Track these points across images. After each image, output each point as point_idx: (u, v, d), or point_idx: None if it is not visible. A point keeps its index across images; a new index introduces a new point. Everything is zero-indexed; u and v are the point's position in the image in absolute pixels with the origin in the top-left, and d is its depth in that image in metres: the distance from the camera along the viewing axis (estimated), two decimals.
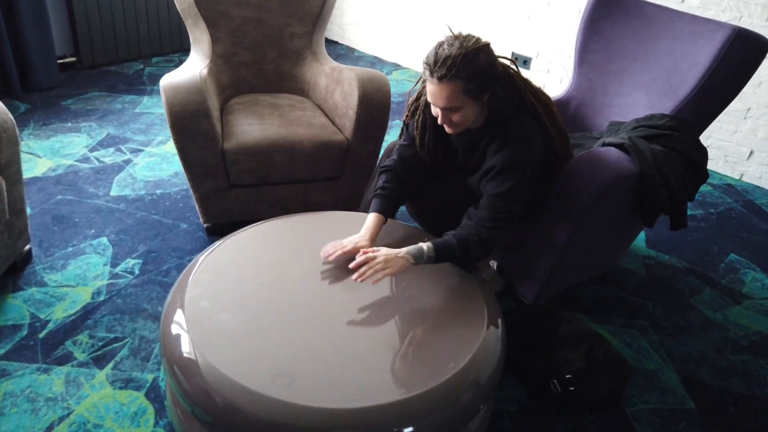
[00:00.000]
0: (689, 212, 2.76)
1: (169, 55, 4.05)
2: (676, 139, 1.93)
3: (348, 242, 1.56)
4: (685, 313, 2.09)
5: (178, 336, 1.32)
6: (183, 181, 2.59)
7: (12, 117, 1.82)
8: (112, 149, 2.79)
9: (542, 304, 1.85)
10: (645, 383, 1.78)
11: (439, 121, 1.51)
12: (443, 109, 1.46)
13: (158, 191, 2.50)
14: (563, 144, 1.71)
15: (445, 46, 1.39)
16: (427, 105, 1.63)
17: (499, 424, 1.60)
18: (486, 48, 1.41)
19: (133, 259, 2.09)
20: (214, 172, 2.09)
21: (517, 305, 2.02)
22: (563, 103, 2.35)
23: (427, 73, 1.41)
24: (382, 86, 2.18)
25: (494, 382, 1.35)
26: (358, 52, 4.68)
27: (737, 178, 3.10)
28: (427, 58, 1.41)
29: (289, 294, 1.42)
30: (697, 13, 2.96)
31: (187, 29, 2.47)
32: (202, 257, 1.54)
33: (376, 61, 4.50)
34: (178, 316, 1.37)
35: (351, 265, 1.45)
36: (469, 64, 1.37)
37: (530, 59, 3.61)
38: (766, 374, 1.85)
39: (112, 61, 3.77)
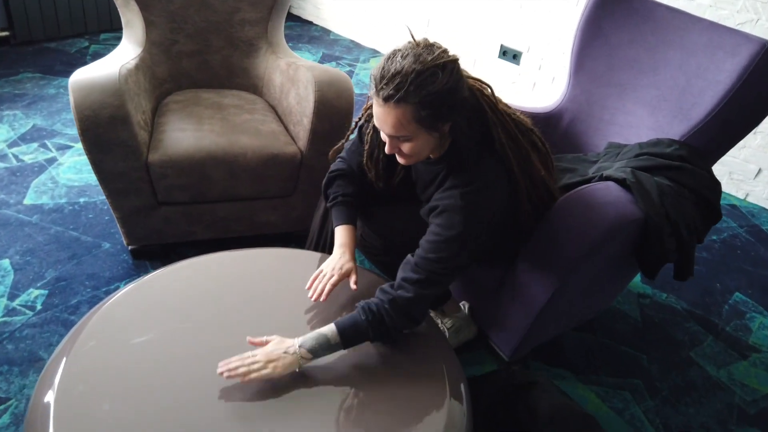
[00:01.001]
0: None
1: (118, 32, 3.62)
2: (688, 172, 1.62)
3: (330, 269, 1.28)
4: (684, 370, 1.81)
5: (44, 426, 1.00)
6: None
7: None
8: (35, 145, 2.41)
9: (519, 370, 1.55)
10: None
11: (387, 149, 1.18)
12: (390, 137, 1.14)
13: (82, 200, 2.14)
14: (539, 196, 1.38)
15: (398, 58, 1.05)
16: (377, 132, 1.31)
17: None
18: (449, 66, 1.06)
19: (38, 289, 1.74)
20: (137, 187, 1.74)
21: (491, 359, 1.72)
22: (554, 116, 2.03)
23: (373, 89, 1.08)
24: (344, 91, 1.84)
25: None
26: (333, 35, 4.29)
27: (742, 198, 2.82)
28: (376, 69, 1.08)
29: (200, 382, 1.09)
30: (708, 13, 2.63)
31: (119, 12, 2.09)
32: (96, 313, 1.21)
33: (353, 46, 4.12)
34: (47, 399, 1.04)
35: (221, 368, 1.06)
36: (422, 86, 1.03)
37: (520, 53, 3.26)
38: None
39: (52, 36, 3.34)
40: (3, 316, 1.64)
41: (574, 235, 1.41)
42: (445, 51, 1.09)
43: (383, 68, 1.06)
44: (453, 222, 1.19)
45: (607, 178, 1.56)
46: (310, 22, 4.49)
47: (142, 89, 1.87)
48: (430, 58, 1.05)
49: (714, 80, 1.63)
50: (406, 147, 1.16)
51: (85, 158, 2.38)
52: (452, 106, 1.10)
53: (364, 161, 1.39)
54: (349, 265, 1.32)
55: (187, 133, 1.81)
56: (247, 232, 1.98)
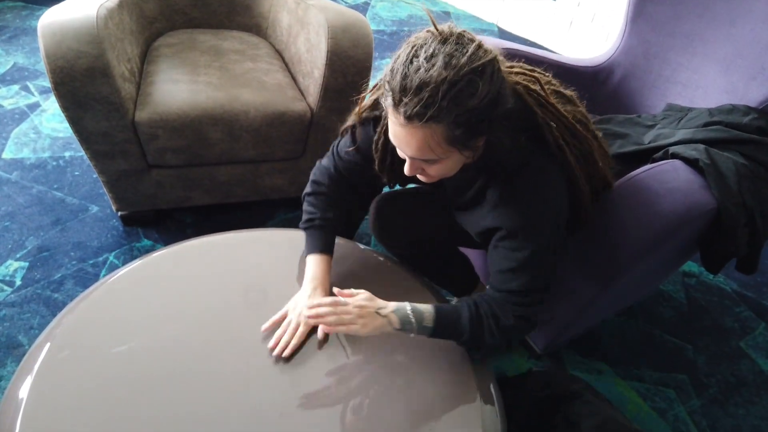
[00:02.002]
0: None
1: None
2: (764, 146, 1.37)
3: (296, 315, 1.04)
4: (734, 363, 1.63)
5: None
6: None
7: None
8: (16, 87, 2.17)
9: (560, 374, 1.37)
10: None
11: (407, 171, 0.92)
12: (411, 159, 0.89)
13: (67, 154, 1.92)
14: (595, 186, 1.14)
15: (422, 61, 0.76)
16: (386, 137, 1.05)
17: None
18: (488, 69, 0.78)
19: (17, 260, 1.56)
20: (123, 149, 1.52)
21: (524, 352, 1.55)
22: (604, 70, 1.75)
23: (390, 101, 0.80)
24: (362, 39, 1.57)
25: None
26: None
27: None
28: (391, 75, 0.80)
29: (188, 397, 0.91)
30: None
31: None
32: (76, 307, 1.03)
33: None
34: (21, 396, 0.88)
35: (309, 312, 0.96)
36: (457, 101, 0.76)
37: None
38: None
39: None
40: None
41: (634, 228, 1.19)
42: (479, 46, 0.79)
43: (404, 76, 0.78)
44: (521, 244, 0.97)
45: (674, 156, 1.32)
46: None
47: (126, 32, 1.61)
48: (464, 61, 0.76)
49: None
50: (431, 169, 0.90)
51: None
52: (492, 120, 0.83)
53: (376, 166, 1.14)
54: (321, 310, 1.02)
55: (180, 86, 1.56)
56: (251, 196, 1.77)
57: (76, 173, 1.86)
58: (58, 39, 1.35)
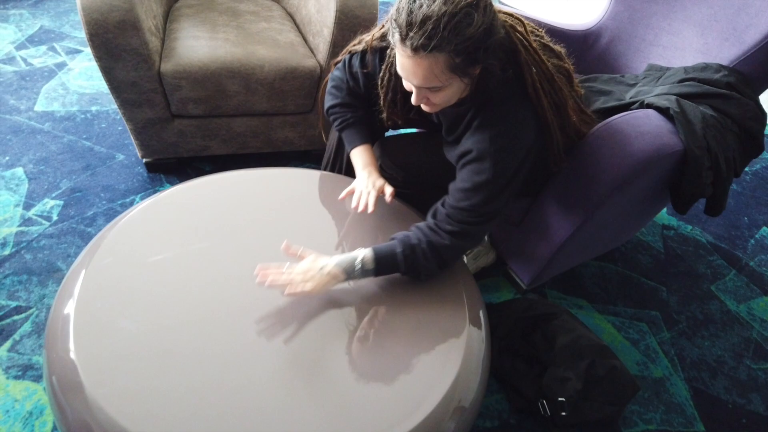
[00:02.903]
0: None
1: None
2: (734, 101, 1.51)
3: (364, 187, 1.26)
4: (704, 303, 1.79)
5: (66, 338, 1.00)
6: None
7: None
8: (44, 48, 2.32)
9: (540, 300, 1.53)
10: (650, 396, 1.51)
11: (413, 100, 1.07)
12: (418, 87, 1.04)
13: (94, 108, 2.08)
14: (567, 133, 1.27)
15: None
16: (395, 66, 1.19)
17: None
18: (482, 2, 0.93)
19: (53, 199, 1.72)
20: (149, 99, 1.67)
21: (509, 286, 1.71)
22: (592, 34, 1.89)
23: (397, 36, 0.95)
24: (368, 3, 1.71)
25: (479, 402, 1.07)
26: None
27: None
28: (397, 13, 0.94)
29: (218, 301, 1.08)
30: None
31: None
32: (115, 226, 1.19)
33: None
34: (70, 308, 1.04)
35: (258, 272, 1.06)
36: (457, 30, 0.91)
37: None
38: None
39: None
40: (19, 225, 1.63)
41: (607, 166, 1.34)
42: None
43: (410, 12, 0.92)
44: (482, 168, 1.11)
45: (648, 106, 1.46)
46: None
47: None
48: (463, 1, 0.91)
49: None
50: (436, 97, 1.05)
51: (96, 64, 2.28)
52: (487, 48, 0.97)
53: (382, 104, 1.29)
54: (380, 181, 1.28)
55: (201, 42, 1.71)
56: (263, 148, 1.92)
57: (103, 125, 2.01)
58: None
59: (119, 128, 2.01)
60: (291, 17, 1.98)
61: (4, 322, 1.40)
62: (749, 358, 1.65)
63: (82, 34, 2.42)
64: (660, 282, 1.83)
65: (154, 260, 1.12)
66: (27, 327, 1.40)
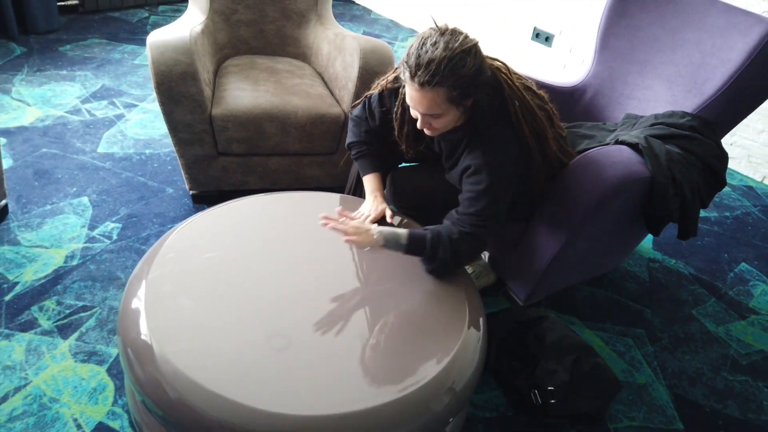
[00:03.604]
0: (703, 214, 2.61)
1: (177, 5, 3.88)
2: (697, 141, 1.78)
3: (367, 211, 1.55)
4: (685, 324, 1.98)
5: (136, 316, 1.24)
6: None
7: None
8: (105, 102, 2.68)
9: (532, 308, 1.75)
10: (633, 398, 1.68)
11: (419, 125, 1.36)
12: (423, 115, 1.32)
13: (147, 151, 2.40)
14: (547, 159, 1.54)
15: (429, 47, 1.21)
16: (405, 108, 1.49)
17: (473, 431, 1.52)
18: (473, 50, 1.23)
19: (113, 222, 2.01)
20: (200, 138, 1.98)
21: (508, 304, 1.92)
22: (579, 90, 2.20)
23: (408, 75, 1.25)
24: (385, 59, 2.04)
25: (470, 389, 1.27)
26: (374, 14, 4.48)
27: (759, 180, 2.94)
28: (407, 57, 1.25)
29: (260, 283, 1.33)
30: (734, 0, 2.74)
31: None
32: (173, 233, 1.45)
33: (392, 26, 4.30)
34: (140, 294, 1.28)
35: (322, 218, 1.38)
36: (454, 71, 1.20)
37: (552, 36, 3.41)
38: (764, 398, 1.75)
39: (116, 6, 3.62)
40: (85, 242, 1.90)
41: (584, 190, 1.59)
42: (467, 36, 1.25)
43: (418, 56, 1.22)
44: (481, 178, 1.39)
45: (622, 143, 1.74)
46: (352, 1, 4.68)
47: (206, 52, 2.11)
48: (457, 45, 1.21)
49: (726, 58, 1.78)
50: (437, 123, 1.35)
51: (149, 116, 2.63)
52: (477, 84, 1.27)
53: (396, 135, 1.58)
54: (382, 206, 1.56)
55: (245, 92, 2.04)
56: (294, 185, 2.21)
57: (155, 165, 2.32)
58: (162, 50, 1.83)
59: (169, 167, 2.32)
60: (320, 75, 2.32)
61: (72, 318, 1.64)
62: (726, 371, 1.83)
63: (137, 91, 2.79)
64: (645, 305, 2.03)
65: (206, 256, 1.38)
66: (92, 322, 1.64)
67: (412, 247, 1.38)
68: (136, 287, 1.31)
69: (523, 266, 1.83)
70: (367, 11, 4.53)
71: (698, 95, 1.86)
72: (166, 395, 1.13)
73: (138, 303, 1.26)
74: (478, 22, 3.77)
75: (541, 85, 2.18)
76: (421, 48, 1.23)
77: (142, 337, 1.20)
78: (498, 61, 1.40)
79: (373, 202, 1.58)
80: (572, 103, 2.20)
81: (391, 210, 1.55)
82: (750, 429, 1.65)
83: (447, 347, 1.26)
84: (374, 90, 1.62)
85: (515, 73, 1.46)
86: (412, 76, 1.24)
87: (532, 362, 1.58)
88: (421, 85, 1.23)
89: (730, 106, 1.81)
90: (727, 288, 2.18)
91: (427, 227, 1.42)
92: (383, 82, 1.56)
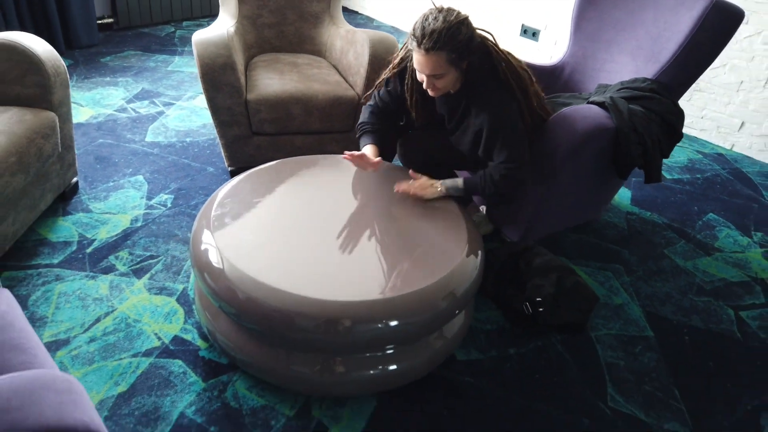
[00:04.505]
0: (676, 176, 2.94)
1: (198, 20, 4.30)
2: (656, 101, 2.12)
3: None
4: (658, 261, 2.31)
5: (206, 247, 1.59)
6: (210, 132, 2.86)
7: (64, 64, 2.09)
8: (146, 102, 3.07)
9: (521, 244, 2.08)
10: (611, 315, 2.01)
11: (425, 86, 1.72)
12: (428, 76, 1.68)
13: (188, 139, 2.77)
14: (532, 112, 1.89)
15: (431, 20, 1.58)
16: (414, 72, 1.85)
17: (476, 339, 1.85)
18: (466, 21, 1.61)
19: (166, 194, 2.37)
20: (238, 120, 2.34)
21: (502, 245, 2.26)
22: (558, 68, 2.55)
23: (414, 44, 1.61)
24: (391, 47, 2.40)
25: (468, 295, 1.60)
26: (377, 22, 4.88)
27: (728, 148, 3.27)
28: (414, 30, 1.61)
29: (299, 215, 1.68)
30: None
31: None
32: (224, 187, 1.81)
33: (393, 31, 4.69)
34: (206, 230, 1.63)
35: (396, 188, 1.78)
36: (452, 37, 1.57)
37: (539, 31, 3.78)
38: (723, 313, 2.07)
39: (146, 23, 4.03)
40: (145, 209, 2.26)
41: (560, 140, 1.94)
42: (459, 12, 1.62)
43: (422, 29, 1.59)
44: (496, 134, 1.74)
45: (592, 103, 2.09)
46: (356, 12, 5.09)
47: (238, 49, 2.48)
48: (453, 18, 1.59)
49: (677, 30, 2.14)
50: (439, 83, 1.71)
51: (185, 111, 3.01)
52: (470, 49, 1.64)
53: (408, 104, 1.94)
54: (378, 160, 1.86)
55: (274, 81, 2.41)
56: None
57: (195, 150, 2.69)
58: (205, 46, 2.21)
59: (207, 152, 2.68)
60: (335, 67, 2.69)
61: (143, 264, 1.99)
62: (692, 294, 2.15)
63: (173, 92, 3.17)
64: (623, 247, 2.36)
65: (256, 197, 1.74)
66: (159, 266, 1.99)
67: (467, 190, 1.78)
68: (203, 220, 1.66)
69: (514, 213, 2.17)
70: (370, 20, 4.92)
71: (656, 63, 2.20)
72: (237, 297, 1.47)
73: (206, 236, 1.61)
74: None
75: (527, 65, 2.55)
76: (425, 22, 1.59)
77: (213, 255, 1.55)
78: (485, 31, 1.76)
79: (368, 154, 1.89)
80: (554, 80, 2.55)
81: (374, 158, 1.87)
82: (710, 335, 1.97)
83: (450, 262, 1.59)
84: (383, 77, 1.97)
85: (502, 48, 1.82)
86: (419, 44, 1.60)
87: (523, 282, 1.91)
88: (427, 50, 1.59)
89: (682, 69, 2.16)
90: (696, 233, 2.50)
91: (476, 173, 1.81)
92: (388, 71, 1.93)
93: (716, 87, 3.19)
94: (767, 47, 2.96)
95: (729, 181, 2.94)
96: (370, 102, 2.02)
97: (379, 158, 1.84)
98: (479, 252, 1.69)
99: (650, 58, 2.23)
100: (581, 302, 1.89)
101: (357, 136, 2.02)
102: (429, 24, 1.58)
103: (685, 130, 3.41)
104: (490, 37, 1.76)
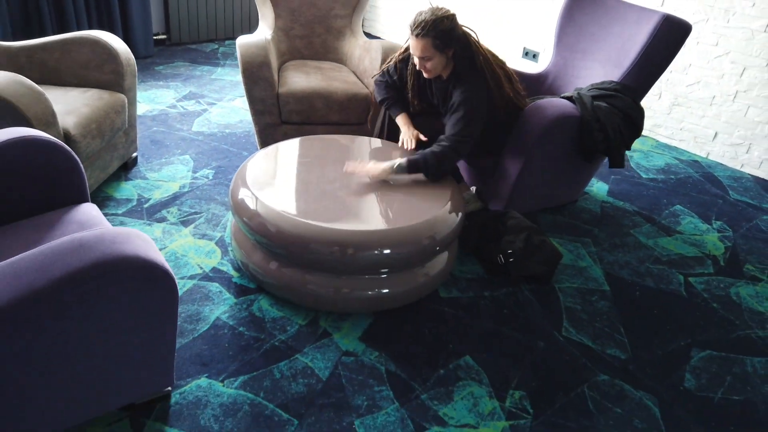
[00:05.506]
0: (652, 176, 3.32)
1: None
2: (618, 98, 2.54)
3: (408, 136, 2.31)
4: (623, 237, 2.68)
5: (243, 196, 2.03)
6: (245, 126, 3.35)
7: (134, 58, 2.61)
8: (193, 101, 3.59)
9: (501, 211, 2.48)
10: (575, 273, 2.38)
11: (417, 66, 2.18)
12: (419, 58, 2.14)
13: (227, 131, 3.26)
14: (505, 101, 2.31)
15: (423, 14, 2.06)
16: (414, 65, 2.29)
17: (458, 283, 2.24)
18: (450, 17, 2.08)
19: (208, 169, 2.84)
20: (270, 110, 2.82)
21: None
22: (542, 76, 2.99)
23: (409, 32, 2.09)
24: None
25: (446, 239, 2.01)
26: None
27: (704, 156, 3.64)
28: (410, 21, 2.09)
29: (316, 171, 2.13)
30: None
31: (257, 7, 3.24)
32: (256, 154, 2.26)
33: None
34: (243, 183, 2.07)
35: (346, 167, 2.14)
36: (435, 26, 2.04)
37: (538, 53, 4.23)
38: (674, 278, 2.42)
39: (194, 40, 4.61)
40: (191, 180, 2.73)
41: (532, 125, 2.36)
42: (447, 10, 2.08)
43: (415, 20, 2.07)
44: (459, 108, 2.17)
45: (562, 97, 2.51)
46: (377, 36, 5.63)
47: (273, 54, 2.98)
48: (440, 13, 2.05)
49: (636, 40, 2.56)
50: (429, 64, 2.16)
51: (225, 110, 3.51)
52: (452, 38, 2.09)
53: (408, 87, 2.40)
54: (415, 132, 2.32)
55: (301, 79, 2.89)
56: None
57: (233, 139, 3.17)
58: (247, 47, 2.70)
59: (243, 140, 3.17)
60: (353, 72, 3.17)
61: (189, 217, 2.45)
62: (649, 263, 2.51)
63: (215, 95, 3.69)
64: (594, 226, 2.74)
65: (283, 159, 2.19)
66: (202, 220, 2.44)
67: (412, 168, 2.14)
68: (239, 178, 2.11)
69: (498, 190, 2.58)
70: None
71: (620, 68, 2.63)
72: (268, 229, 1.90)
73: (243, 187, 2.05)
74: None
75: (518, 73, 2.99)
76: (418, 15, 2.07)
77: (250, 204, 1.99)
78: (469, 29, 2.21)
79: (408, 131, 2.34)
80: (539, 86, 2.98)
81: (420, 135, 2.32)
82: (659, 292, 2.32)
83: (432, 211, 2.01)
84: (389, 64, 2.44)
85: (485, 47, 2.27)
86: (411, 32, 2.07)
87: (497, 238, 2.31)
88: (416, 36, 2.06)
89: (641, 73, 2.57)
90: (661, 219, 2.87)
91: (418, 151, 2.20)
92: (396, 57, 2.39)
93: (692, 101, 3.58)
94: (734, 65, 3.35)
95: (700, 182, 3.30)
96: (381, 78, 2.46)
97: (416, 132, 2.29)
98: (458, 208, 2.11)
99: (616, 64, 2.65)
100: (547, 256, 2.27)
101: (385, 108, 2.46)
102: (420, 16, 2.06)
103: (665, 141, 3.79)
104: (473, 34, 2.21)
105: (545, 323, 2.09)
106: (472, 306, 2.13)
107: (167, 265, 1.33)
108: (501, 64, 2.33)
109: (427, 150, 2.16)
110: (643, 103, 3.82)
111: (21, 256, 1.21)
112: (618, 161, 2.52)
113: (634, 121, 2.54)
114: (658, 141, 3.81)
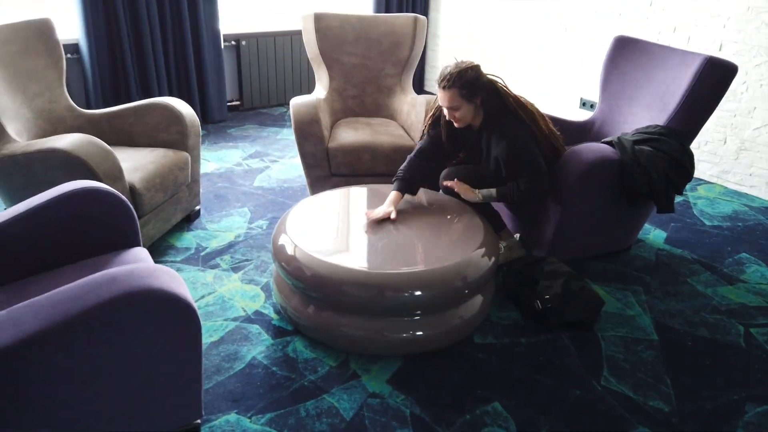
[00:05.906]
0: (716, 223, 3.15)
1: None
2: (664, 142, 2.49)
3: (378, 211, 2.31)
4: (678, 286, 2.55)
5: (283, 242, 2.16)
6: (303, 180, 3.54)
7: (198, 120, 2.88)
8: (257, 159, 3.85)
9: (538, 256, 2.45)
10: (621, 322, 2.29)
11: (447, 117, 2.27)
12: (448, 109, 2.23)
13: (285, 185, 3.47)
14: (544, 137, 2.35)
15: (448, 67, 2.18)
16: (445, 118, 2.38)
17: (494, 329, 2.22)
18: (474, 67, 2.17)
19: (263, 220, 3.02)
20: (320, 163, 2.98)
21: None
22: (589, 123, 2.98)
23: (437, 85, 2.20)
24: None
25: (478, 281, 2.02)
26: None
27: None
28: (438, 76, 2.20)
29: (351, 218, 2.23)
30: (690, 45, 3.43)
31: (313, 70, 3.49)
32: (297, 205, 2.40)
33: None
34: (283, 232, 2.20)
35: (444, 183, 2.39)
36: (461, 77, 2.14)
37: (595, 103, 4.20)
38: (733, 328, 2.27)
39: (265, 105, 4.97)
40: (246, 230, 2.92)
41: (570, 170, 2.35)
42: (472, 62, 2.19)
43: (441, 74, 2.18)
44: (514, 155, 2.24)
45: (602, 143, 2.49)
46: (429, 92, 5.80)
47: (326, 112, 3.18)
48: (464, 66, 2.16)
49: (680, 84, 2.53)
50: (457, 114, 2.25)
51: (285, 166, 3.74)
52: (478, 86, 2.18)
53: (444, 138, 2.48)
54: (390, 209, 2.28)
55: (350, 134, 3.05)
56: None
57: (290, 192, 3.37)
58: (299, 107, 2.91)
59: (298, 193, 3.35)
60: (401, 126, 3.31)
61: (240, 264, 2.61)
62: (705, 312, 2.37)
63: (278, 153, 3.94)
64: (647, 274, 2.63)
65: (321, 210, 2.32)
66: (251, 266, 2.59)
67: (501, 197, 2.26)
68: (280, 231, 2.24)
69: (540, 235, 2.56)
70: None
71: (665, 112, 2.58)
72: (304, 274, 2.00)
73: (283, 236, 2.18)
74: (534, 96, 4.68)
75: (564, 121, 2.99)
76: (444, 69, 2.18)
77: (287, 241, 2.11)
78: (496, 76, 2.29)
79: (385, 207, 2.30)
80: (585, 133, 2.97)
81: (394, 214, 2.31)
82: (713, 343, 2.18)
83: (464, 253, 2.04)
84: (426, 124, 2.54)
85: (514, 94, 2.33)
86: (438, 85, 2.17)
87: (535, 284, 2.28)
88: (443, 88, 2.16)
89: (687, 115, 2.52)
90: (723, 267, 2.71)
91: (507, 184, 2.32)
92: (428, 117, 2.49)
93: (760, 145, 3.40)
94: None
95: None
96: (414, 155, 2.49)
97: (391, 209, 2.28)
98: (491, 250, 2.12)
99: (661, 109, 2.61)
100: (586, 303, 2.21)
101: (393, 180, 2.51)
102: (446, 69, 2.17)
103: (734, 187, 3.59)
104: (499, 80, 2.28)
105: (582, 371, 2.01)
106: (505, 352, 2.10)
107: (191, 299, 1.45)
108: (531, 105, 2.37)
109: (511, 184, 2.29)
110: (707, 149, 3.68)
111: (62, 288, 1.37)
112: (665, 205, 2.44)
113: (682, 164, 2.46)
114: (726, 188, 3.63)
